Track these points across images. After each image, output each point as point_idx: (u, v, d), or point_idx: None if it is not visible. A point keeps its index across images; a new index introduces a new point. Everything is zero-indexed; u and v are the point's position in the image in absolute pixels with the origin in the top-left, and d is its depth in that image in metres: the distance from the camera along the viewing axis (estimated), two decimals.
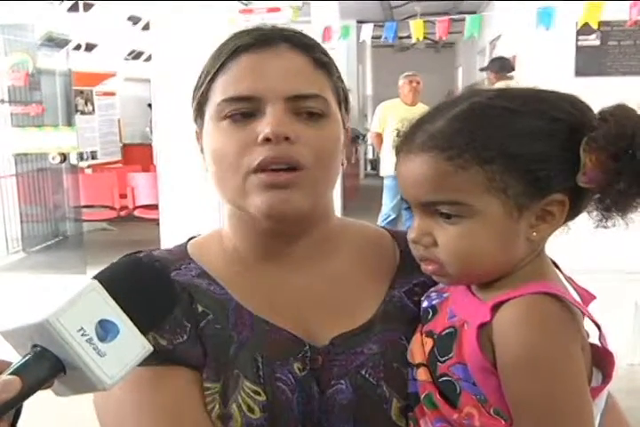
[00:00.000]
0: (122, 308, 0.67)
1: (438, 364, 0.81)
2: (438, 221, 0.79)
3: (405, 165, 0.80)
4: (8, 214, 7.01)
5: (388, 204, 6.79)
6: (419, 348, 0.84)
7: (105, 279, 0.68)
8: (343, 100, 0.93)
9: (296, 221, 0.88)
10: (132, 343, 0.67)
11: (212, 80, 0.88)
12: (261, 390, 0.84)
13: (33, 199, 7.17)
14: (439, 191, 0.77)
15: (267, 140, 0.82)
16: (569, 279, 0.84)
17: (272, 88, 0.84)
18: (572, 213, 0.80)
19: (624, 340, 3.65)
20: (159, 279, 0.77)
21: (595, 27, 5.29)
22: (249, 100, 0.84)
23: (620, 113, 0.75)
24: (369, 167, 13.57)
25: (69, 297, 0.64)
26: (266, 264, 0.94)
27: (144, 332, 0.68)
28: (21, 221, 7.12)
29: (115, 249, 6.93)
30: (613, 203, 0.77)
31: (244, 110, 0.85)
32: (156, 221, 6.10)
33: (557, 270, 0.85)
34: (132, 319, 0.67)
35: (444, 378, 0.80)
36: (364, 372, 0.87)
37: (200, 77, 0.90)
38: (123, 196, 7.44)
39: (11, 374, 0.62)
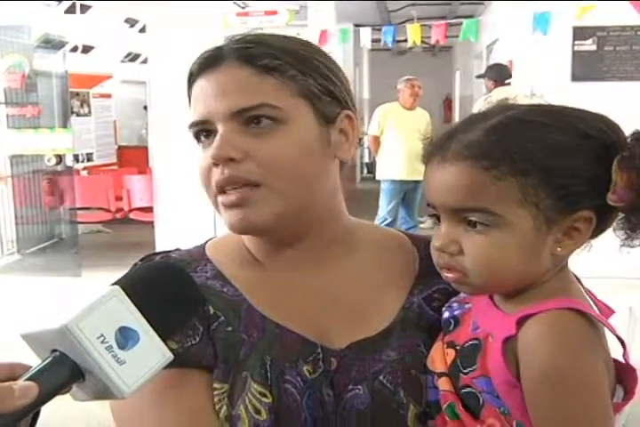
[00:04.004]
0: (143, 314, 0.65)
1: (461, 375, 0.80)
2: (466, 229, 0.79)
3: (439, 173, 0.80)
4: (3, 216, 7.00)
5: (384, 207, 6.79)
6: (440, 357, 0.84)
7: (127, 285, 0.66)
8: (324, 92, 0.88)
9: (273, 230, 0.88)
10: (153, 351, 0.65)
11: (190, 104, 0.91)
12: (268, 392, 0.84)
13: (28, 201, 7.16)
14: (472, 199, 0.77)
15: (215, 164, 0.85)
16: (589, 293, 0.84)
17: (215, 108, 0.85)
18: (597, 231, 0.80)
19: (618, 345, 3.66)
20: (182, 285, 0.75)
21: (583, 15, 5.28)
22: (204, 124, 0.87)
23: None
24: (365, 171, 13.58)
25: (90, 303, 0.63)
26: (279, 266, 0.93)
27: (165, 339, 0.67)
28: (16, 223, 7.11)
29: (110, 251, 6.93)
30: None
31: (204, 133, 0.88)
32: (151, 224, 6.10)
33: (580, 285, 0.85)
34: (152, 326, 0.66)
35: (467, 389, 0.80)
36: (381, 378, 0.86)
37: None
38: (118, 198, 7.43)
39: (29, 378, 0.61)
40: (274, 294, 0.92)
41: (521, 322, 0.76)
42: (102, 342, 0.62)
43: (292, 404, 0.84)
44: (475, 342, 0.80)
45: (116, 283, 0.68)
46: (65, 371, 0.62)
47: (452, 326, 0.86)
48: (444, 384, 0.82)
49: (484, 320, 0.82)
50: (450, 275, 0.81)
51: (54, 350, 0.63)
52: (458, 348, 0.82)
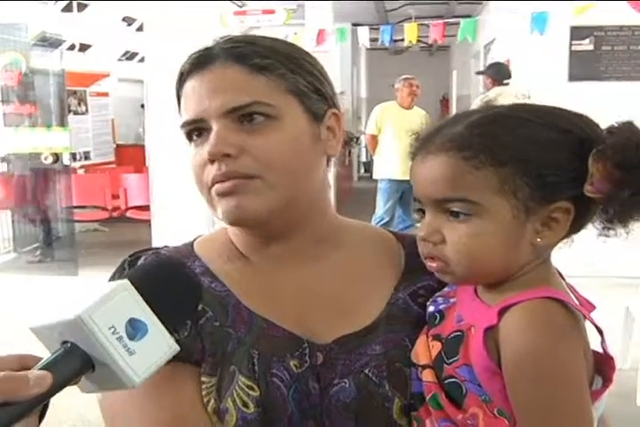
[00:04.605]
0: (150, 307, 0.67)
1: (445, 366, 0.82)
2: (449, 219, 0.82)
3: (422, 165, 0.84)
4: None
5: (381, 207, 6.79)
6: (424, 350, 0.86)
7: (135, 279, 0.69)
8: (312, 90, 0.91)
9: (265, 223, 0.89)
10: (160, 342, 0.68)
11: (179, 104, 0.93)
12: (255, 386, 0.85)
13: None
14: (453, 189, 0.80)
15: (211, 160, 0.86)
16: (571, 288, 0.86)
17: (210, 107, 0.87)
18: (577, 225, 0.83)
19: (614, 345, 3.67)
20: (185, 280, 0.78)
21: (578, 14, 5.29)
22: (197, 123, 0.89)
23: (626, 127, 0.79)
24: (362, 170, 13.59)
25: (101, 295, 0.65)
26: (266, 261, 0.95)
27: (170, 331, 0.69)
28: (13, 222, 7.09)
29: (106, 250, 6.91)
30: (616, 213, 0.80)
31: (196, 132, 0.89)
32: (147, 222, 6.10)
33: (562, 279, 0.87)
34: (159, 319, 0.68)
35: (450, 380, 0.82)
36: (367, 371, 0.88)
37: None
38: (115, 196, 7.43)
39: (42, 368, 0.62)
40: (261, 289, 0.93)
41: (502, 312, 0.79)
42: (113, 333, 0.64)
43: (279, 397, 0.85)
44: (458, 333, 0.83)
45: (124, 277, 0.70)
46: (76, 362, 0.64)
47: (437, 320, 0.88)
48: (427, 376, 0.84)
49: (468, 313, 0.84)
50: (433, 264, 0.84)
51: (65, 342, 0.65)
52: (443, 340, 0.84)
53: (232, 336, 0.89)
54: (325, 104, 0.93)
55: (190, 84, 0.90)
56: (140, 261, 0.94)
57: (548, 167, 0.79)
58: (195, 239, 1.01)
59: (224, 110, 0.86)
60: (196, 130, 0.89)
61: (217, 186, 0.87)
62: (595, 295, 0.87)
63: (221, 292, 0.92)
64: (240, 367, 0.86)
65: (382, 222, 6.69)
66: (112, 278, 0.92)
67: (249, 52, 0.88)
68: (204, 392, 0.86)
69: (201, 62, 0.89)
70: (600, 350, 0.84)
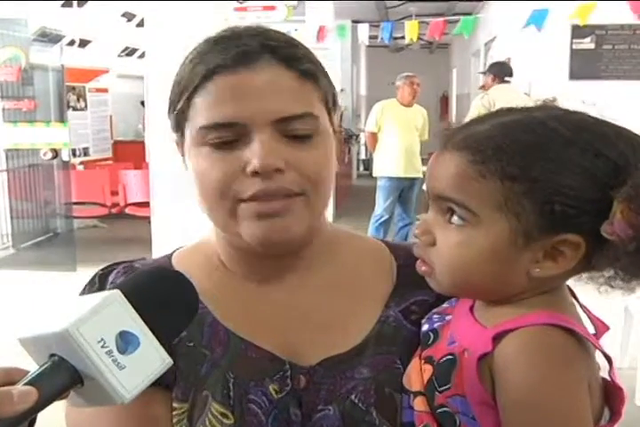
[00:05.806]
0: (143, 319, 0.64)
1: (436, 393, 0.75)
2: (445, 221, 0.75)
3: (436, 159, 0.77)
4: None
5: (381, 204, 6.77)
6: (417, 375, 0.79)
7: (127, 289, 0.65)
8: (332, 103, 0.85)
9: (291, 246, 0.83)
10: (152, 356, 0.64)
11: (190, 98, 0.81)
12: (230, 413, 0.79)
13: (24, 195, 7.14)
14: (453, 190, 0.73)
15: (254, 172, 0.77)
16: (585, 309, 0.79)
17: (256, 112, 0.77)
18: (592, 263, 0.73)
19: (613, 344, 3.67)
20: (181, 289, 0.73)
21: (581, 24, 5.31)
22: (232, 127, 0.78)
23: None
24: (361, 167, 13.59)
25: (90, 306, 0.62)
26: (252, 276, 0.88)
27: (164, 344, 0.66)
28: (11, 217, 7.09)
29: (105, 247, 6.92)
30: (631, 265, 0.70)
31: (227, 138, 0.78)
32: (147, 219, 6.09)
33: (574, 299, 0.79)
34: (152, 331, 0.64)
35: (443, 409, 0.74)
36: (353, 397, 0.81)
37: (175, 89, 0.84)
38: (114, 193, 7.41)
39: (27, 383, 0.60)
40: (242, 305, 0.87)
41: (498, 338, 0.71)
42: (102, 347, 0.61)
43: (256, 426, 0.79)
44: (450, 357, 0.75)
45: (116, 287, 0.67)
46: (64, 376, 0.61)
47: (430, 340, 0.80)
48: (419, 404, 0.77)
49: (461, 334, 0.77)
50: (422, 267, 0.78)
51: (53, 355, 0.62)
52: (435, 364, 0.77)
53: (207, 358, 0.82)
54: (334, 112, 0.86)
55: (226, 80, 0.78)
56: (112, 275, 0.88)
57: (563, 194, 0.69)
58: (173, 252, 0.94)
59: (277, 118, 0.77)
60: (223, 135, 0.78)
61: (261, 205, 0.78)
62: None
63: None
64: (214, 393, 0.80)
65: (382, 220, 6.70)
66: (83, 292, 0.87)
67: (299, 56, 0.80)
68: (174, 420, 0.80)
69: (241, 58, 0.78)
70: (608, 379, 0.77)
